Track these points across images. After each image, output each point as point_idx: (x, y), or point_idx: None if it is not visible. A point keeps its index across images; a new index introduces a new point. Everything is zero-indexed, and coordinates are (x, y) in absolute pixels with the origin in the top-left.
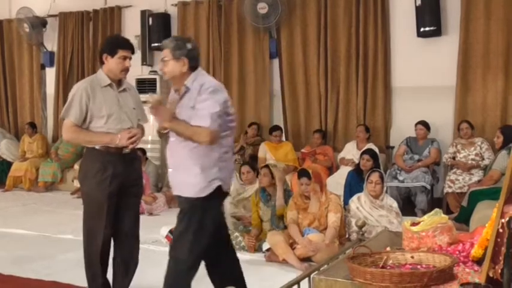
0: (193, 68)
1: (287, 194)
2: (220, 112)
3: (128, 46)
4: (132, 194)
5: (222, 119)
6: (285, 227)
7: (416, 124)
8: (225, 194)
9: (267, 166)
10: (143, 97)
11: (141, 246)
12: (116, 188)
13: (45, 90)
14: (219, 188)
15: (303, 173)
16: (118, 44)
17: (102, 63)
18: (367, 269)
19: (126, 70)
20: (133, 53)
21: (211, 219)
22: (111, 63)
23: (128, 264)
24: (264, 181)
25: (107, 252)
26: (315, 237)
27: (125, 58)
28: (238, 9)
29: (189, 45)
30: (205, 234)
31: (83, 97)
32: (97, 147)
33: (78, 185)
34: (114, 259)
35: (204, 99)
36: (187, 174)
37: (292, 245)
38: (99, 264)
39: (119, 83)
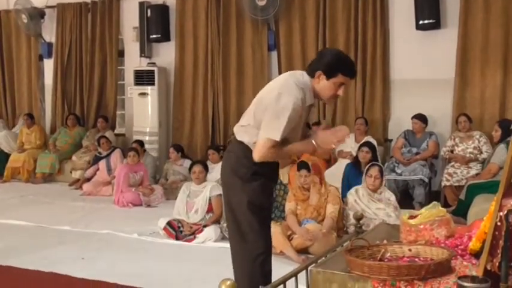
0: None
1: (281, 187)
2: None
3: (351, 73)
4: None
5: None
6: (284, 218)
7: (412, 118)
8: None
9: None
10: (141, 89)
11: (139, 238)
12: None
13: (43, 82)
14: None
15: (302, 165)
16: (342, 67)
17: (312, 76)
18: (365, 262)
19: (335, 98)
20: (352, 78)
21: None
22: (324, 84)
23: None
24: None
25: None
26: (312, 227)
27: (341, 85)
28: (236, 1)
29: None
30: None
31: (294, 110)
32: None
33: (77, 176)
34: None
35: None
36: None
37: (289, 237)
38: None
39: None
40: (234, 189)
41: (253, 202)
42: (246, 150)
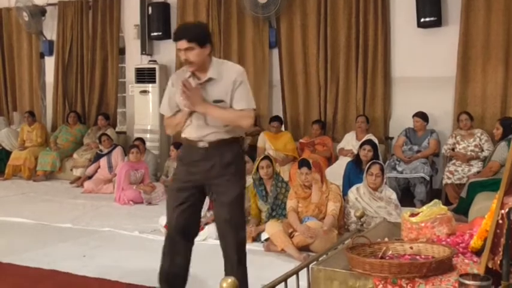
0: None
1: (283, 184)
2: None
3: (176, 37)
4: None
5: None
6: (285, 216)
7: (413, 116)
8: None
9: (267, 157)
10: (142, 87)
11: (140, 235)
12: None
13: (45, 79)
14: None
15: (303, 163)
16: (173, 35)
17: None
18: (366, 260)
19: (188, 63)
20: (189, 41)
21: None
22: None
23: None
24: (263, 173)
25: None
26: (313, 224)
27: (180, 50)
28: None
29: None
30: None
31: (169, 88)
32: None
33: (78, 174)
34: None
35: None
36: None
37: (291, 235)
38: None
39: (203, 72)
40: None
41: (171, 184)
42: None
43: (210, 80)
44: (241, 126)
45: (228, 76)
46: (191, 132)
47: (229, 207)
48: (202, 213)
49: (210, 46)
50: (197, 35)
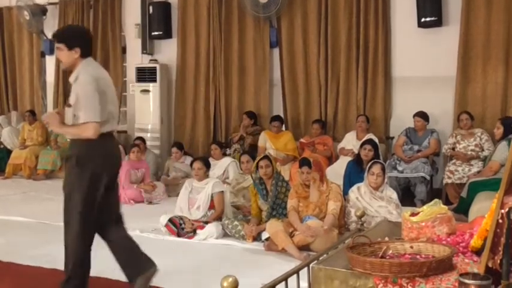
0: None
1: (283, 184)
2: None
3: (52, 37)
4: None
5: None
6: (285, 215)
7: (414, 116)
8: None
9: (266, 157)
10: (143, 86)
11: (140, 234)
12: None
13: (45, 78)
14: None
15: (304, 162)
16: None
17: None
18: (367, 259)
19: (61, 61)
20: (58, 42)
21: None
22: None
23: None
24: (262, 172)
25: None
26: (313, 223)
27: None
28: None
29: None
30: None
31: None
32: None
33: None
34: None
35: None
36: None
37: (291, 234)
38: None
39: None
40: None
41: None
42: None
43: (70, 83)
44: (86, 137)
45: (78, 83)
46: None
47: (64, 193)
48: (203, 212)
49: (79, 50)
50: (65, 37)
